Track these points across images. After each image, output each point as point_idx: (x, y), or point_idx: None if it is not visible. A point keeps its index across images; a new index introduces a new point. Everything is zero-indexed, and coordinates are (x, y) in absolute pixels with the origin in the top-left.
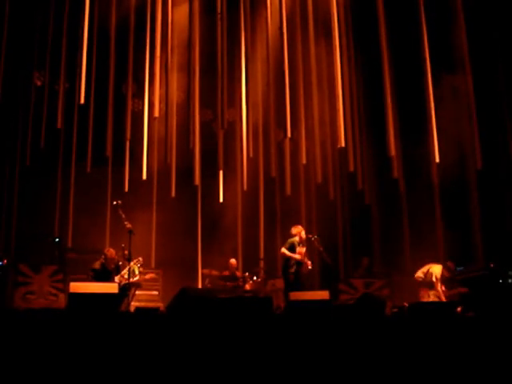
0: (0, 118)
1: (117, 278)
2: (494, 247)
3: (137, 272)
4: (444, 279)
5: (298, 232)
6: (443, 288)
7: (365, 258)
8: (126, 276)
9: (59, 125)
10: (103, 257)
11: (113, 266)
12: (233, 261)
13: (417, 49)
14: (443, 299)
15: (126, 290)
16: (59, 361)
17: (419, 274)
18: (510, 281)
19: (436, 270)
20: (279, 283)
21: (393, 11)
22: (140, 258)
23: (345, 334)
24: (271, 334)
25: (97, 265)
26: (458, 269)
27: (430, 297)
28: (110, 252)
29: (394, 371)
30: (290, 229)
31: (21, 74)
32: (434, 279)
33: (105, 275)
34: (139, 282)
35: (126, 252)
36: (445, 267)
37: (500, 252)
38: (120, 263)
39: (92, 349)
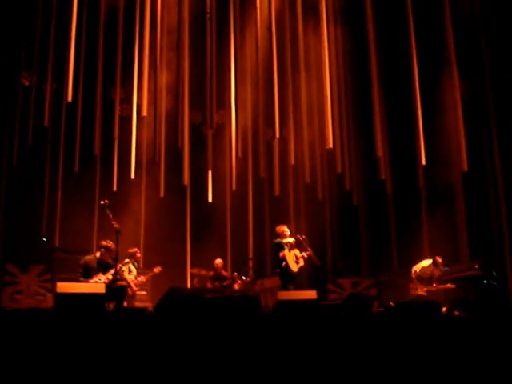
0: None
1: (103, 277)
2: (480, 248)
3: (134, 271)
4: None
5: (282, 231)
6: (434, 285)
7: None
8: (109, 276)
9: (46, 123)
10: (103, 250)
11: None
12: (218, 261)
13: (405, 52)
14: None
15: (123, 291)
16: (47, 360)
17: (415, 268)
18: (493, 281)
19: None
20: (268, 283)
21: (382, 16)
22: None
23: (332, 332)
24: (259, 333)
25: (91, 262)
26: (444, 269)
27: (418, 291)
28: (111, 243)
29: (380, 369)
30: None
31: (8, 74)
32: (426, 276)
33: (103, 269)
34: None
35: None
36: (433, 262)
37: (485, 253)
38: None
39: (80, 349)
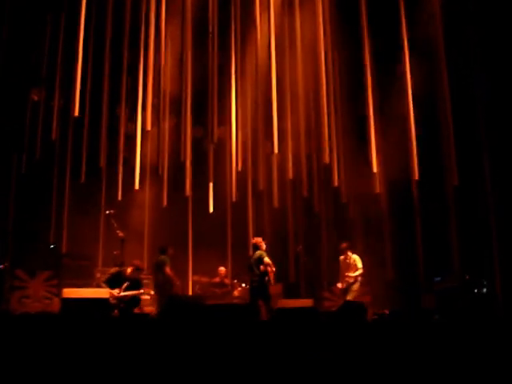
0: None
1: (122, 293)
2: (471, 259)
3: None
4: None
5: (261, 242)
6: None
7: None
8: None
9: (54, 136)
10: (133, 268)
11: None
12: (222, 269)
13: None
14: None
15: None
16: (52, 363)
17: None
18: (484, 290)
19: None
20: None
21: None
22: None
23: (328, 339)
24: (258, 340)
25: (121, 274)
26: (436, 279)
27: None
28: (141, 264)
29: (373, 375)
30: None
31: (18, 89)
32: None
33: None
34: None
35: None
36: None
37: (475, 263)
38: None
39: (84, 352)
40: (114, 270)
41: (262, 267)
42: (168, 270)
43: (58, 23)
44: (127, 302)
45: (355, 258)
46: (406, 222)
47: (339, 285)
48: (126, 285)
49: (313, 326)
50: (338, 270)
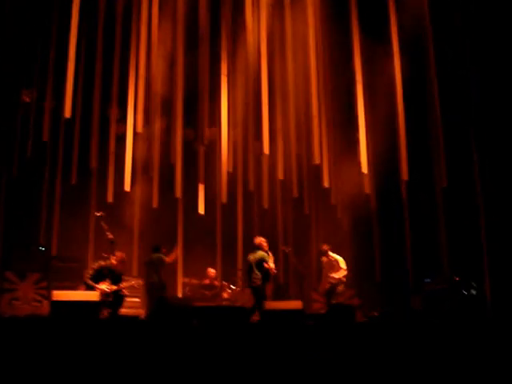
0: None
1: (105, 286)
2: (460, 260)
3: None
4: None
5: (263, 243)
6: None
7: None
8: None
9: (45, 137)
10: (119, 260)
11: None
12: (211, 270)
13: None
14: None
15: (121, 298)
16: (41, 366)
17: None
18: (473, 291)
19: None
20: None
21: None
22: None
23: (316, 341)
24: (246, 341)
25: (104, 268)
26: (425, 280)
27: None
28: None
29: (361, 375)
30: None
31: (9, 91)
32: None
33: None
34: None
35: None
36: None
37: (464, 264)
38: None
39: (74, 355)
40: (96, 264)
41: (265, 265)
42: (168, 259)
43: (49, 24)
44: (114, 297)
45: (338, 259)
46: (394, 222)
47: (322, 286)
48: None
49: (301, 328)
50: (320, 272)
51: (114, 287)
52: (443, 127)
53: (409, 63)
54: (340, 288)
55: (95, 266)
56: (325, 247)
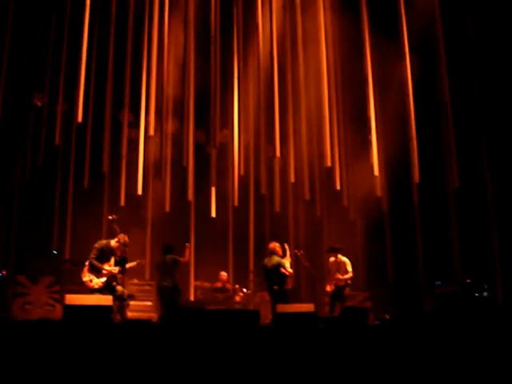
0: (0, 136)
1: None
2: (471, 262)
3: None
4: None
5: (277, 248)
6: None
7: None
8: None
9: (57, 142)
10: (117, 240)
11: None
12: (223, 273)
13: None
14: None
15: (124, 299)
16: (54, 371)
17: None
18: (484, 293)
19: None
20: (268, 295)
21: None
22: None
23: (329, 344)
24: (259, 344)
25: (106, 248)
26: (437, 282)
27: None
28: (127, 241)
29: (374, 380)
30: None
31: (21, 95)
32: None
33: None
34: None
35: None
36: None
37: (476, 266)
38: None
39: (86, 359)
40: (99, 244)
41: (282, 270)
42: (183, 259)
43: (61, 29)
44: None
45: (345, 261)
46: (406, 225)
47: (328, 287)
48: (114, 259)
49: (313, 331)
50: (327, 272)
51: (117, 268)
52: (454, 128)
53: (420, 63)
54: (347, 291)
55: (97, 245)
56: (334, 246)
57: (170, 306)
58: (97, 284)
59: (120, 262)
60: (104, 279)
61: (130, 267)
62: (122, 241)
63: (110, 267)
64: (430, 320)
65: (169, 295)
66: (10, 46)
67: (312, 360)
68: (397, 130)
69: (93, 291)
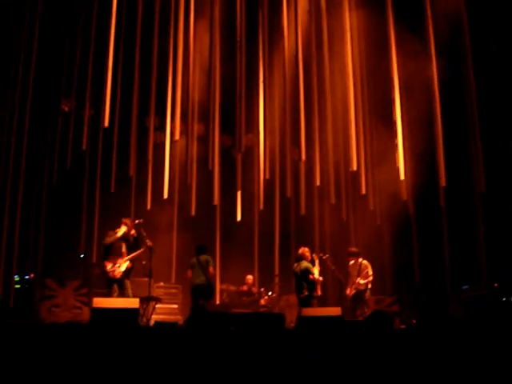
0: (29, 140)
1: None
2: (498, 266)
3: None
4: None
5: (307, 254)
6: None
7: None
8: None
9: (84, 146)
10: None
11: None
12: (249, 277)
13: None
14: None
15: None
16: (81, 374)
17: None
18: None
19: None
20: (293, 298)
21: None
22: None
23: (355, 348)
24: (284, 348)
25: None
26: (464, 287)
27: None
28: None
29: None
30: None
31: (49, 101)
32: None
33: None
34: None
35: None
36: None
37: (503, 270)
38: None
39: (114, 362)
40: (112, 239)
41: (310, 276)
42: (212, 269)
43: (88, 34)
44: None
45: (366, 264)
46: (433, 229)
47: (348, 291)
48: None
49: (340, 335)
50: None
51: (116, 267)
52: (481, 131)
53: (446, 65)
54: (367, 295)
55: (111, 239)
56: (354, 249)
57: (195, 309)
58: (119, 273)
59: (132, 247)
60: (124, 268)
61: (138, 254)
62: (129, 226)
63: (110, 266)
64: (456, 324)
65: (201, 295)
66: (38, 53)
67: (334, 363)
68: (423, 134)
69: (111, 282)
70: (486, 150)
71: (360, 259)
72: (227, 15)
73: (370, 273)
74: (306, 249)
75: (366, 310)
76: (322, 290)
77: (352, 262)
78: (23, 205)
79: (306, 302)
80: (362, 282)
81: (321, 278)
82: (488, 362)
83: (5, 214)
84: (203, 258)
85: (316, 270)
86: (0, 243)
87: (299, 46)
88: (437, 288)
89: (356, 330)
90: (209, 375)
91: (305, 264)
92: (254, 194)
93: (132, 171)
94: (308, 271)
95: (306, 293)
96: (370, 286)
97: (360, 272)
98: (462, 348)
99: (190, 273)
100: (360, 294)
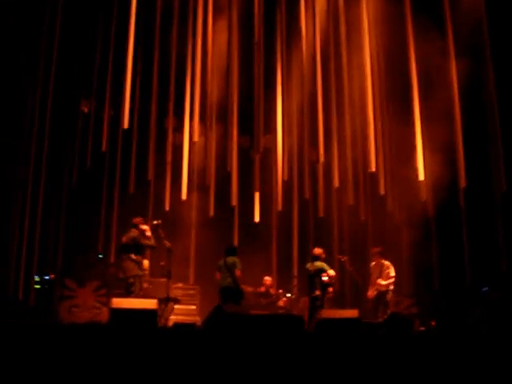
0: (49, 141)
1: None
2: None
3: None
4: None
5: (322, 253)
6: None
7: None
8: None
9: (104, 148)
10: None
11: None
12: (268, 278)
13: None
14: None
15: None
16: (101, 374)
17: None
18: None
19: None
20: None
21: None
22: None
23: (373, 351)
24: (303, 350)
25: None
26: (484, 289)
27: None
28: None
29: None
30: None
31: (69, 102)
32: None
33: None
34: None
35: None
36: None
37: None
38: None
39: (133, 363)
40: (127, 240)
41: (323, 278)
42: (238, 272)
43: (107, 36)
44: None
45: (388, 265)
46: (453, 230)
47: (369, 293)
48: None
49: (357, 338)
50: (368, 277)
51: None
52: (502, 130)
53: (466, 64)
54: (389, 296)
55: (126, 240)
56: (376, 250)
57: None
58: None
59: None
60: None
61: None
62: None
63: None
64: (476, 327)
65: (230, 297)
66: (58, 54)
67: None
68: (442, 134)
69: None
70: (507, 148)
71: (382, 260)
72: (245, 15)
73: (392, 274)
74: (320, 249)
75: (387, 312)
76: (340, 291)
77: (374, 262)
78: (43, 205)
79: (316, 302)
80: (383, 282)
81: (333, 273)
82: (508, 365)
83: (26, 215)
84: (230, 260)
85: (331, 271)
86: (21, 244)
87: (317, 46)
88: (456, 289)
89: (372, 332)
90: (227, 377)
91: (319, 264)
92: (272, 195)
93: (151, 172)
94: (322, 271)
95: (318, 292)
96: (391, 287)
97: (381, 273)
98: (481, 350)
99: (217, 275)
100: (381, 295)
